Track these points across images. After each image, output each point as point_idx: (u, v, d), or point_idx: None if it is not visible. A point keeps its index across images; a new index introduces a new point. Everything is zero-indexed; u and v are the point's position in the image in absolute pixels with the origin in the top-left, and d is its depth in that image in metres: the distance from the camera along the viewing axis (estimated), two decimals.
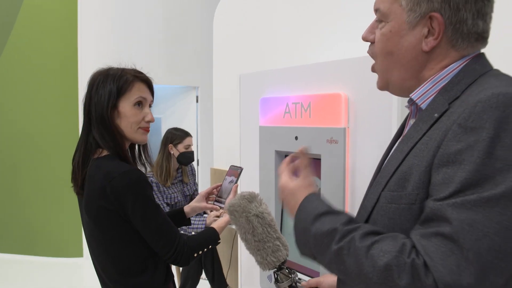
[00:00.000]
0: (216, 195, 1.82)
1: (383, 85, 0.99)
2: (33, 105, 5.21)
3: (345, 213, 0.91)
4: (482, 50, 0.92)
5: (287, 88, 1.94)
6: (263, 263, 1.28)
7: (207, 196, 1.86)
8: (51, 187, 5.24)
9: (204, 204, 1.84)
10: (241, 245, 2.34)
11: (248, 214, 1.26)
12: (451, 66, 0.88)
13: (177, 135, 3.27)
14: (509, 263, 0.70)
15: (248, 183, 2.20)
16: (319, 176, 1.79)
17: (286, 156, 1.98)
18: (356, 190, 1.65)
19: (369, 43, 0.98)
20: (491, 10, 0.89)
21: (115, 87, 1.49)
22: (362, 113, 1.63)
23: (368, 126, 1.61)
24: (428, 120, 0.85)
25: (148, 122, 1.55)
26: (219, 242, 1.66)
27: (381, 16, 0.93)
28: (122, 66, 1.60)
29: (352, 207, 1.67)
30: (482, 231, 0.69)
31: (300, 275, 1.85)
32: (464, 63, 0.88)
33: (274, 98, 1.97)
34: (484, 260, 0.69)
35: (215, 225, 1.67)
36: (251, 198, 1.29)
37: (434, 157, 0.78)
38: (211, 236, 1.62)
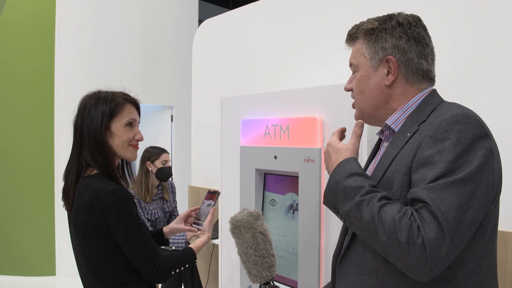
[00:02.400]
0: (195, 218, 1.93)
1: (359, 116, 1.27)
2: (8, 122, 5.18)
3: (372, 180, 1.12)
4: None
5: (267, 111, 2.10)
6: (257, 276, 1.43)
7: (186, 218, 1.95)
8: (24, 204, 5.19)
9: (182, 226, 1.93)
10: (221, 260, 2.45)
11: (254, 231, 1.42)
12: (414, 98, 1.17)
13: (154, 152, 3.40)
14: (467, 230, 0.96)
15: (229, 199, 2.33)
16: (296, 192, 1.95)
17: (265, 174, 2.14)
18: None
19: (350, 82, 1.29)
20: (431, 53, 1.20)
21: (107, 109, 1.60)
22: None
23: None
24: (402, 138, 1.12)
25: (138, 140, 1.68)
26: (196, 262, 1.77)
27: (354, 68, 1.24)
28: (111, 89, 1.71)
29: (327, 219, 1.82)
30: (449, 205, 0.95)
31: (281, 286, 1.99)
32: (424, 96, 1.17)
33: (254, 120, 2.13)
34: (451, 226, 0.94)
35: (193, 245, 1.76)
36: (257, 215, 1.45)
37: (412, 162, 1.04)
38: (188, 256, 1.71)
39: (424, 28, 1.20)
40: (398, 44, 1.16)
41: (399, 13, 1.21)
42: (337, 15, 2.47)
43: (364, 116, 1.26)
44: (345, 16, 2.42)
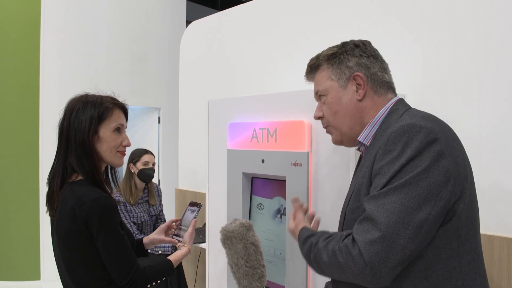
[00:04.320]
0: (175, 229, 1.90)
1: (338, 139, 1.34)
2: None
3: (320, 232, 1.24)
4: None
5: (254, 114, 2.08)
6: (247, 287, 1.40)
7: (166, 230, 1.92)
8: (7, 207, 5.10)
9: (162, 237, 1.89)
10: (208, 264, 2.43)
11: (246, 242, 1.40)
12: (381, 111, 1.24)
13: (135, 154, 3.39)
14: (417, 231, 1.00)
15: (216, 204, 2.30)
16: (284, 196, 1.93)
17: (252, 178, 2.13)
18: (318, 209, 1.80)
19: (319, 110, 1.35)
20: (388, 68, 1.31)
21: (96, 113, 1.56)
22: (323, 138, 1.78)
23: (329, 151, 1.77)
24: (372, 151, 1.17)
25: (125, 146, 1.65)
26: (173, 274, 1.73)
27: (322, 93, 1.31)
28: (99, 92, 1.67)
29: None
30: (390, 210, 1.01)
31: None
32: (390, 107, 1.24)
33: (242, 124, 2.11)
34: (392, 229, 1.00)
35: (172, 257, 1.73)
36: (249, 226, 1.43)
37: (371, 173, 1.12)
38: (167, 269, 1.68)
39: (376, 50, 1.30)
40: (360, 62, 1.25)
41: (351, 40, 1.31)
42: (326, 18, 2.47)
43: (343, 137, 1.31)
44: (334, 19, 2.42)
